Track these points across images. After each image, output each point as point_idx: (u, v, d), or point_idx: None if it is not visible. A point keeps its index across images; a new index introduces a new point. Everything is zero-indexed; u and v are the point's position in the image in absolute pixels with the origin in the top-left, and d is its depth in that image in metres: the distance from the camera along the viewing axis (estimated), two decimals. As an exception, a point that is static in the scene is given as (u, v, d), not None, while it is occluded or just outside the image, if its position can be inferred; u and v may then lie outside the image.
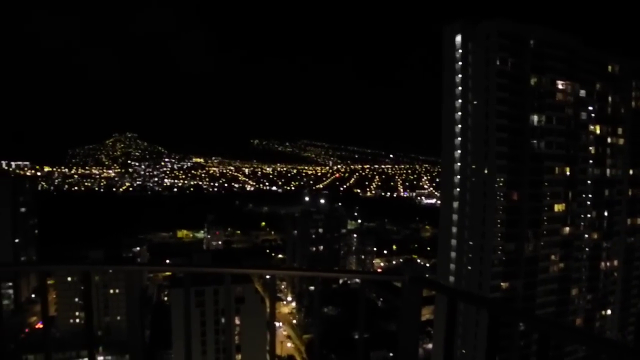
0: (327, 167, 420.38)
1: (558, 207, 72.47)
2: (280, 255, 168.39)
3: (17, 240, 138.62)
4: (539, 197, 70.22)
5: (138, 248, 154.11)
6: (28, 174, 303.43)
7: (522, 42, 66.93)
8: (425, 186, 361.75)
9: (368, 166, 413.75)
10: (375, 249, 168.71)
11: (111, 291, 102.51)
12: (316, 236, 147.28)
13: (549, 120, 69.83)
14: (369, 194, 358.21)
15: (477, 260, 70.02)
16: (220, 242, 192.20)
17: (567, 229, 73.49)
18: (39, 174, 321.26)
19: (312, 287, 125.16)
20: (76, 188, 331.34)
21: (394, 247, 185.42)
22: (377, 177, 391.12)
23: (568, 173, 72.49)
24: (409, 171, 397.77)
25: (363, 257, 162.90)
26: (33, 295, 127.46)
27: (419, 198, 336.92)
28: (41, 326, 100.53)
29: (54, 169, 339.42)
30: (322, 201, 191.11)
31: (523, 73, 67.23)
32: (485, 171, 68.12)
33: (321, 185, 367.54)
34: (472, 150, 70.10)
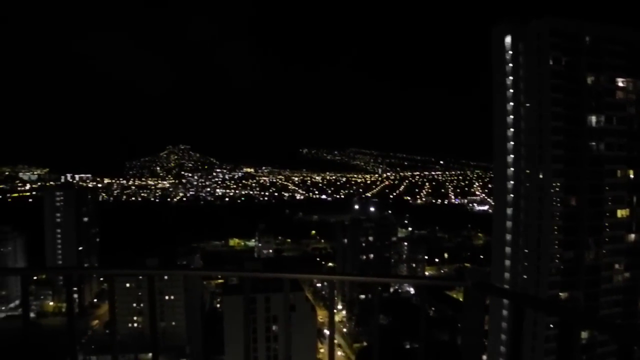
0: (377, 175, 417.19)
1: (621, 213, 68.49)
2: (330, 264, 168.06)
3: (80, 248, 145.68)
4: (599, 202, 66.65)
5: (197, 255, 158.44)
6: (90, 185, 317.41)
7: (576, 40, 64.04)
8: (477, 192, 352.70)
9: (418, 173, 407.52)
10: (426, 257, 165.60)
11: (166, 297, 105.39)
12: (366, 244, 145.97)
13: (609, 121, 66.24)
14: (419, 201, 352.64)
15: (534, 269, 67.29)
16: (271, 251, 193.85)
17: (633, 235, 69.26)
18: (99, 185, 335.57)
19: (362, 296, 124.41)
20: (133, 198, 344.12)
21: (446, 255, 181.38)
22: (427, 184, 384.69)
23: (632, 176, 68.38)
24: (460, 177, 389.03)
25: (414, 265, 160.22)
26: (95, 300, 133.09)
27: (470, 205, 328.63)
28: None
29: (113, 181, 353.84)
30: (372, 209, 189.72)
31: (579, 72, 64.29)
32: (541, 176, 65.61)
33: (370, 194, 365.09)
34: (526, 155, 67.75)
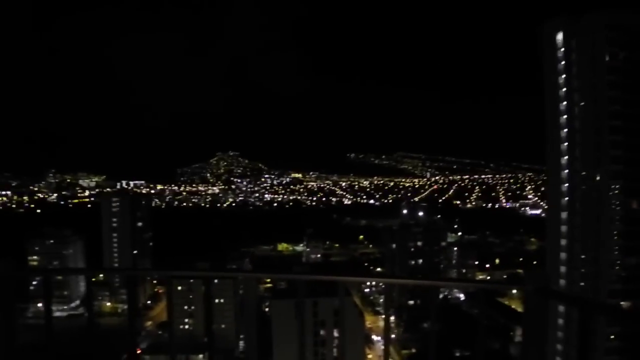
0: (425, 179, 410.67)
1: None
2: (379, 269, 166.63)
3: (135, 251, 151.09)
4: (663, 205, 63.05)
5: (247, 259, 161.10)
6: (144, 191, 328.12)
7: (634, 34, 60.89)
8: (530, 196, 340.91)
9: (467, 176, 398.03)
10: (476, 262, 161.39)
11: (216, 301, 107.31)
12: (415, 249, 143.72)
13: (672, 118, 62.58)
14: (469, 205, 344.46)
15: (592, 276, 64.22)
16: (319, 255, 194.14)
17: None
18: (152, 191, 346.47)
19: (411, 301, 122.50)
20: (185, 204, 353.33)
21: (497, 260, 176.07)
22: (477, 187, 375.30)
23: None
24: (511, 180, 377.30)
25: (464, 270, 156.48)
26: (149, 302, 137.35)
27: (522, 208, 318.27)
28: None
29: (165, 187, 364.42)
30: (421, 213, 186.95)
31: (638, 67, 61.06)
32: (598, 178, 62.65)
33: (418, 198, 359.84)
34: (581, 156, 64.87)
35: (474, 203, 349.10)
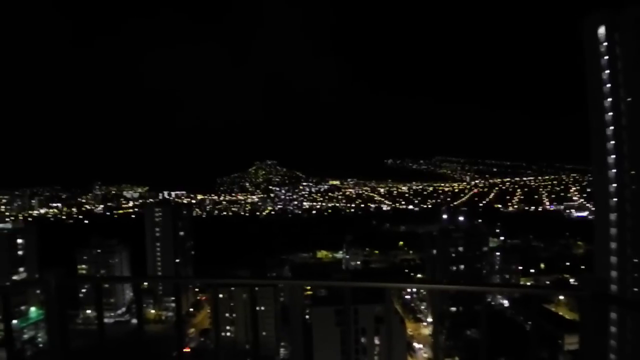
0: (465, 183, 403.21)
1: None
2: (419, 275, 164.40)
3: (177, 260, 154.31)
4: None
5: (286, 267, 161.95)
6: (185, 201, 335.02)
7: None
8: (575, 198, 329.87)
9: (508, 179, 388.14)
10: (520, 267, 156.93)
11: (257, 308, 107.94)
12: (456, 255, 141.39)
13: None
14: (510, 208, 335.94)
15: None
16: (358, 262, 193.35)
17: None
18: (193, 201, 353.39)
19: (453, 308, 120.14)
20: (224, 213, 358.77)
21: (542, 265, 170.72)
22: (518, 190, 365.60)
23: None
24: (555, 182, 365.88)
25: (507, 276, 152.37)
26: (191, 309, 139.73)
27: (567, 211, 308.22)
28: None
29: (206, 197, 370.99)
30: (461, 218, 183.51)
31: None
32: (648, 176, 60.04)
33: (458, 202, 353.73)
34: (630, 154, 62.27)
35: (516, 206, 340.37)
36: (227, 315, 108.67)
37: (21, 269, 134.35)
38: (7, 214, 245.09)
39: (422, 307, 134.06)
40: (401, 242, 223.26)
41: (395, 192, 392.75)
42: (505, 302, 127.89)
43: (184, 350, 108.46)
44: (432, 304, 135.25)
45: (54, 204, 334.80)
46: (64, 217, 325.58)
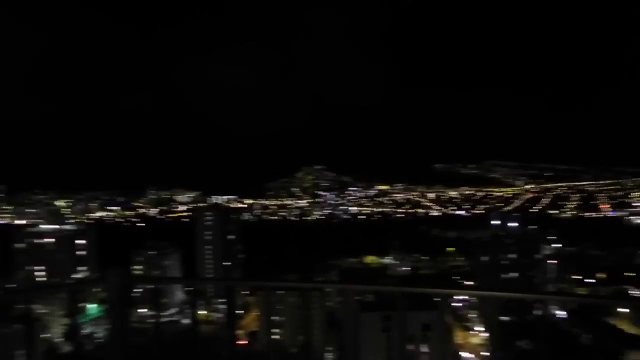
0: (517, 188, 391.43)
1: None
2: (469, 282, 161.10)
3: (227, 263, 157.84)
4: None
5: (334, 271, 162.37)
6: (234, 206, 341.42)
7: None
8: (635, 203, 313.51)
9: (564, 184, 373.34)
10: (577, 277, 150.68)
11: (307, 312, 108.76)
12: (508, 262, 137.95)
13: None
14: (566, 214, 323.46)
15: None
16: (406, 268, 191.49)
17: None
18: (242, 205, 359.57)
19: (504, 317, 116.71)
20: (273, 217, 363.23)
21: (601, 275, 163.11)
22: (575, 195, 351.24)
23: None
24: (615, 187, 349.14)
25: (563, 286, 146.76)
26: (240, 311, 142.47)
27: (629, 217, 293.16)
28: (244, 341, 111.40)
29: (255, 201, 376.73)
30: (513, 224, 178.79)
31: None
32: None
33: (510, 208, 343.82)
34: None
35: (572, 212, 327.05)
36: (274, 318, 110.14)
37: (82, 268, 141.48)
38: (69, 216, 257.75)
39: (472, 316, 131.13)
40: (450, 248, 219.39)
41: (444, 197, 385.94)
42: (561, 313, 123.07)
43: (241, 342, 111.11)
44: (484, 312, 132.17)
45: (112, 208, 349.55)
46: (120, 219, 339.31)
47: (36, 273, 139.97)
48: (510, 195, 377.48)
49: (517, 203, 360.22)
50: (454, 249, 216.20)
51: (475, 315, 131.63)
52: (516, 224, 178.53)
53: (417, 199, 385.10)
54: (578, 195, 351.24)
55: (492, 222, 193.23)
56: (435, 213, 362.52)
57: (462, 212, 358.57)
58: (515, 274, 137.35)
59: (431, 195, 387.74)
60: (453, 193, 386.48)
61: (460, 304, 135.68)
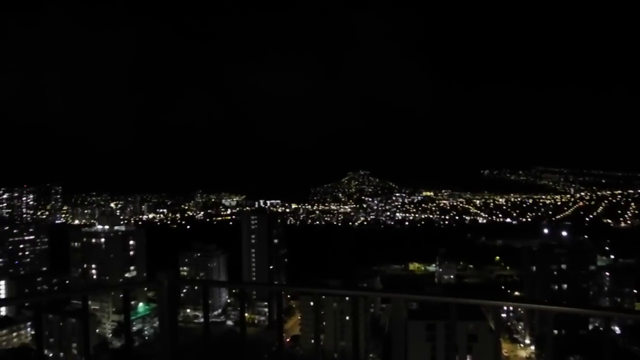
0: (568, 195, 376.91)
1: None
2: (516, 293, 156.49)
3: (271, 267, 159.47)
4: None
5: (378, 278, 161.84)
6: (279, 210, 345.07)
7: None
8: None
9: (620, 191, 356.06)
10: (635, 290, 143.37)
11: (347, 318, 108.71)
12: (558, 273, 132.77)
13: None
14: (623, 224, 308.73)
15: None
16: (452, 276, 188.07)
17: None
18: (287, 210, 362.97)
19: (555, 331, 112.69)
20: (317, 222, 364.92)
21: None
22: (632, 203, 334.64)
23: None
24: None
25: (619, 299, 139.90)
26: (283, 315, 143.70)
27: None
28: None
29: (299, 206, 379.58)
30: (564, 233, 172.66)
31: None
32: None
33: (561, 216, 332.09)
34: None
35: (629, 222, 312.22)
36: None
37: (132, 267, 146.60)
38: (121, 217, 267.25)
39: (519, 327, 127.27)
40: (497, 257, 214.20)
41: (492, 204, 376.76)
42: (617, 329, 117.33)
43: (287, 340, 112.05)
44: (534, 324, 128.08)
45: (161, 210, 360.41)
46: (168, 222, 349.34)
47: (90, 271, 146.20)
48: (561, 203, 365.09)
49: (568, 211, 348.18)
50: (500, 257, 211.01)
51: (523, 327, 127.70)
52: (568, 233, 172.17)
53: (464, 205, 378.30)
54: (636, 203, 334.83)
55: (542, 230, 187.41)
56: (482, 220, 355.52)
57: (510, 220, 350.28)
58: (566, 286, 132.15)
59: (478, 202, 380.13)
60: (500, 200, 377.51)
61: (506, 315, 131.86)
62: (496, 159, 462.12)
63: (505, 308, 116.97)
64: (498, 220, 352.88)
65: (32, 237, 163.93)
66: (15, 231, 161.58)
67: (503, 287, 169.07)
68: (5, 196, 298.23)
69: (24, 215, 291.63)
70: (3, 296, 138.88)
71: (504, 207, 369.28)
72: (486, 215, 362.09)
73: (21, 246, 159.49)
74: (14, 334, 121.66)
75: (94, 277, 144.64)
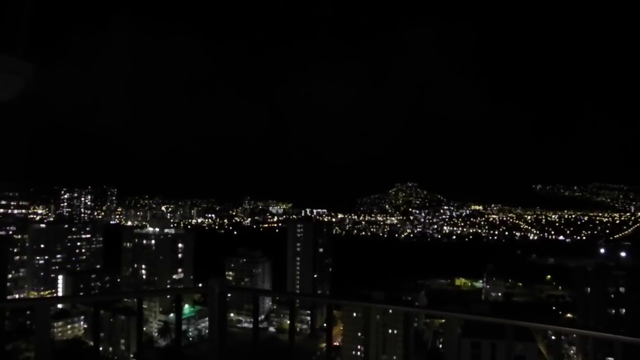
0: (628, 214, 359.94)
1: None
2: (569, 315, 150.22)
3: (315, 276, 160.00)
4: None
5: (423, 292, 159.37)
6: (325, 219, 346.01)
7: None
8: None
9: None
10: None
11: (390, 331, 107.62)
12: (615, 296, 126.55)
13: None
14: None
15: None
16: (499, 294, 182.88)
17: None
18: (333, 220, 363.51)
19: (610, 358, 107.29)
20: (363, 233, 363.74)
21: None
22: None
23: None
24: None
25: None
26: (325, 324, 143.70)
27: None
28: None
29: (346, 216, 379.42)
30: (623, 254, 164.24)
31: None
32: None
33: (620, 235, 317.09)
34: None
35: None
36: (359, 334, 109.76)
37: (179, 270, 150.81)
38: (171, 220, 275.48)
39: (571, 352, 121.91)
40: (549, 276, 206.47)
41: (544, 220, 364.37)
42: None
43: (334, 344, 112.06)
44: (587, 350, 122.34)
45: (209, 215, 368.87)
46: (216, 227, 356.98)
47: (140, 271, 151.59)
48: (619, 222, 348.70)
49: (628, 230, 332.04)
50: (552, 276, 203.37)
51: (575, 352, 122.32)
52: (627, 254, 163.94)
53: (514, 221, 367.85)
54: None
55: (598, 250, 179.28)
56: (533, 237, 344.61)
57: (563, 238, 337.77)
58: (624, 310, 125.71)
59: (529, 218, 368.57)
60: (553, 216, 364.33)
61: (556, 337, 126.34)
62: (549, 174, 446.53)
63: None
64: (550, 237, 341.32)
65: (88, 235, 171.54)
66: (73, 229, 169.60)
67: (554, 308, 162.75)
68: (66, 196, 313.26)
69: (82, 215, 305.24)
70: (61, 290, 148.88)
71: (557, 224, 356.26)
72: (537, 232, 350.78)
73: (78, 244, 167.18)
74: (69, 327, 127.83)
75: (144, 277, 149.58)
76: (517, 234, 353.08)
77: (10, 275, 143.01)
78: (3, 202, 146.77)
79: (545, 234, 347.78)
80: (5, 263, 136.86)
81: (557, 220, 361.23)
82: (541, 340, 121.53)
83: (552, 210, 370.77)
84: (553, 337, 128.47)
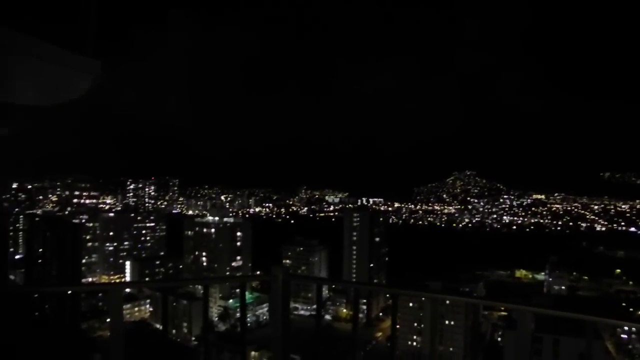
0: None
1: None
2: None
3: (371, 265, 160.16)
4: None
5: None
6: (382, 209, 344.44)
7: None
8: None
9: None
10: None
11: (446, 322, 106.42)
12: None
13: None
14: None
15: None
16: (563, 287, 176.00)
17: None
18: (390, 209, 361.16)
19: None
20: (420, 222, 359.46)
21: None
22: None
23: None
24: None
25: None
26: (380, 314, 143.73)
27: None
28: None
29: (402, 205, 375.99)
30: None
31: None
32: None
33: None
34: None
35: None
36: (415, 324, 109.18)
37: (238, 257, 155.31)
38: (230, 210, 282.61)
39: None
40: (618, 270, 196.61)
41: (613, 210, 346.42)
42: None
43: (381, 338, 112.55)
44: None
45: (267, 204, 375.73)
46: (273, 216, 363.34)
47: (201, 258, 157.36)
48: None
49: None
50: (622, 270, 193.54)
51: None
52: None
53: (579, 211, 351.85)
54: None
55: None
56: (601, 228, 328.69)
57: (635, 229, 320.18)
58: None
59: (596, 208, 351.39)
60: (624, 206, 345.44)
61: (627, 336, 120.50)
62: (619, 161, 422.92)
63: (626, 328, 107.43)
64: (620, 228, 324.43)
65: (152, 224, 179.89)
66: (139, 218, 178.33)
67: (624, 304, 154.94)
68: (132, 187, 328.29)
69: (146, 205, 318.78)
70: (129, 274, 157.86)
71: (628, 215, 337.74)
72: (606, 223, 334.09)
73: (143, 232, 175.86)
74: (136, 309, 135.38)
75: (204, 264, 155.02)
76: (582, 224, 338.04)
77: (83, 260, 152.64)
78: (76, 193, 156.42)
79: (615, 225, 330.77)
80: (79, 249, 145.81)
81: (628, 210, 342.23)
82: (608, 338, 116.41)
83: (622, 200, 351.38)
84: (623, 336, 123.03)
